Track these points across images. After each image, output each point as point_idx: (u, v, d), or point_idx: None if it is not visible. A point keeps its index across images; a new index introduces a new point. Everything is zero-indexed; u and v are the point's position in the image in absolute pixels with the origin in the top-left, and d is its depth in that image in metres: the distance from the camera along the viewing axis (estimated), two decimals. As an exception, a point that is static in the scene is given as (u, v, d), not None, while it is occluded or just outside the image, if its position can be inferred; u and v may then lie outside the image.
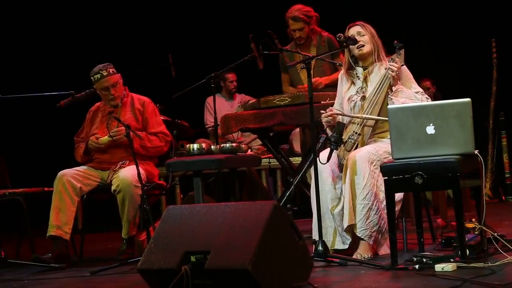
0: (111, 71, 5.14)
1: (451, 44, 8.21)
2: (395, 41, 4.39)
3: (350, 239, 4.32)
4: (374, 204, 4.21)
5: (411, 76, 4.50)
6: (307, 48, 5.75)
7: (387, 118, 4.03)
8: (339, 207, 4.32)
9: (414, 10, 8.29)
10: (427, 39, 8.26)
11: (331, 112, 4.43)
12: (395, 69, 4.33)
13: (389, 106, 3.92)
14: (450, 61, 8.24)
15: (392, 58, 4.38)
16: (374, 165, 4.22)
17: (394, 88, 4.34)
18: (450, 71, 8.20)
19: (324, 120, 4.46)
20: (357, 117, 4.41)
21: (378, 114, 4.38)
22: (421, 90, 4.45)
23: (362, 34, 4.50)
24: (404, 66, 4.44)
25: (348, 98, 4.54)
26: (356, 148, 4.36)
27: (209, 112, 7.49)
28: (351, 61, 4.57)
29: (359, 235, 4.22)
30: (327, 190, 4.35)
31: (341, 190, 4.35)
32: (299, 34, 5.69)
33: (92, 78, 5.14)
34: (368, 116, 4.37)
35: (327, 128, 4.47)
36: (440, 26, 8.27)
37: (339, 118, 4.51)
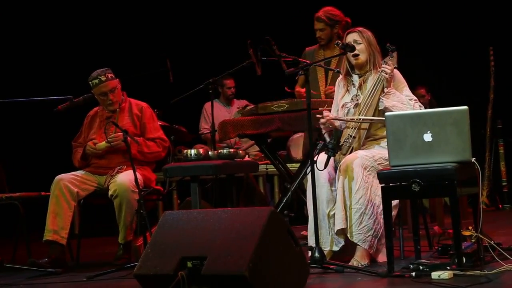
0: (109, 76, 5.14)
1: (449, 52, 8.22)
2: (388, 44, 4.41)
3: (343, 243, 4.32)
4: (368, 208, 4.21)
5: (403, 81, 4.50)
6: (330, 50, 5.77)
7: (383, 118, 4.03)
8: (334, 210, 4.32)
9: (412, 17, 8.30)
10: (425, 46, 8.28)
11: (328, 118, 4.44)
12: (388, 71, 4.34)
13: (386, 113, 3.92)
14: (448, 69, 8.25)
15: (385, 61, 4.40)
16: (368, 171, 4.22)
17: (385, 90, 4.35)
18: (448, 79, 8.21)
19: (322, 126, 4.47)
20: (354, 121, 4.42)
21: (373, 116, 4.39)
22: (414, 97, 4.45)
23: (359, 43, 4.49)
24: (397, 71, 4.45)
25: (342, 105, 4.55)
26: (351, 151, 4.37)
27: (204, 119, 7.51)
28: (348, 67, 4.58)
29: (353, 240, 4.22)
30: (323, 192, 4.35)
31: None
32: (319, 34, 5.78)
33: (90, 83, 5.14)
34: (365, 117, 4.38)
35: (325, 133, 4.48)
36: (438, 34, 8.28)
37: (337, 124, 4.52)
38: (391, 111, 4.20)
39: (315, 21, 5.77)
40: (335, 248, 4.33)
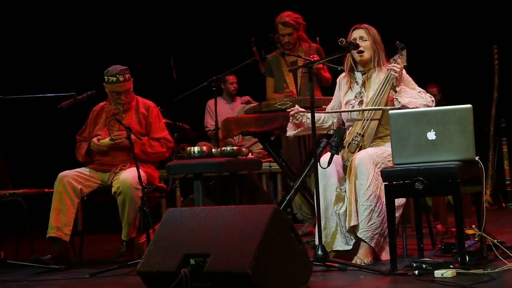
0: (127, 77, 5.08)
1: (453, 51, 8.21)
2: (397, 42, 4.39)
3: (354, 240, 4.31)
4: (377, 206, 4.21)
5: (411, 79, 4.51)
6: (294, 53, 5.75)
7: (380, 107, 4.03)
8: (344, 208, 4.31)
9: (417, 16, 8.29)
10: (429, 45, 8.27)
11: (298, 109, 4.50)
12: (398, 69, 4.34)
13: (390, 112, 3.91)
14: (452, 67, 8.24)
15: (394, 59, 4.39)
16: (379, 167, 4.21)
17: (397, 89, 4.34)
18: (452, 77, 8.21)
19: (291, 118, 4.53)
20: (344, 111, 4.44)
21: (381, 116, 4.39)
22: (423, 90, 4.46)
23: (365, 39, 4.49)
24: (403, 70, 4.44)
25: (346, 102, 4.55)
26: (360, 149, 4.36)
27: (209, 115, 7.50)
28: (352, 64, 4.57)
29: (360, 237, 4.22)
30: (332, 190, 4.34)
31: (346, 191, 4.34)
32: (287, 39, 5.72)
33: (106, 77, 5.06)
34: (367, 107, 4.38)
35: (291, 124, 4.54)
36: (442, 32, 8.28)
37: (339, 123, 4.54)
38: (408, 107, 4.20)
39: (282, 26, 5.70)
40: (347, 247, 4.32)
